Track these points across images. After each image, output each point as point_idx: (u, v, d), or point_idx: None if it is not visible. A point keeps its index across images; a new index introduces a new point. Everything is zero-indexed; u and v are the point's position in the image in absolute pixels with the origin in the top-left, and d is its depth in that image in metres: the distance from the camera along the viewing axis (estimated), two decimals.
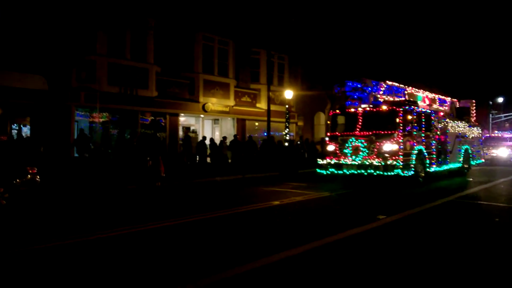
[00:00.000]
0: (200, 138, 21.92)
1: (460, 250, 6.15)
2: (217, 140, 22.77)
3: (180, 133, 22.73)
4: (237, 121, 25.78)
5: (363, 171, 13.61)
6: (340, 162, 14.19)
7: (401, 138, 13.59)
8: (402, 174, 13.22)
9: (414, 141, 14.18)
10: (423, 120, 15.06)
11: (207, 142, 21.04)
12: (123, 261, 5.73)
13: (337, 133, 14.95)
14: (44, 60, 17.29)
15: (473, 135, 19.99)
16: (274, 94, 25.67)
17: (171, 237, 7.15)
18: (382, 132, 13.70)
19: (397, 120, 13.78)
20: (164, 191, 13.97)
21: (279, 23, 25.52)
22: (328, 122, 15.62)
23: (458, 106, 20.97)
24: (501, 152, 27.66)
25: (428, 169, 14.90)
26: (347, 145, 14.19)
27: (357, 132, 14.22)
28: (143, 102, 20.28)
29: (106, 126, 19.82)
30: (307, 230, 7.53)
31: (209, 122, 26.05)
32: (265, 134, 24.82)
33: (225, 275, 4.98)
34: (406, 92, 16.92)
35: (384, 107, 14.33)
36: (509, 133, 31.36)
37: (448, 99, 20.40)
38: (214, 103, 23.43)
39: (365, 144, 13.81)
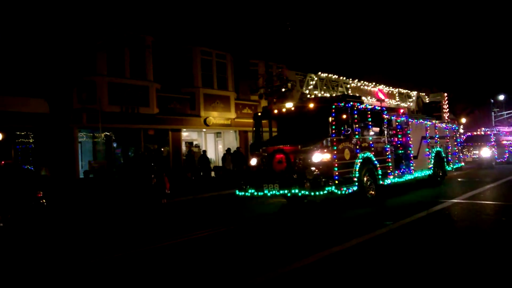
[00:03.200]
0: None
1: None
2: (221, 154, 22.82)
3: (183, 148, 22.76)
4: (239, 133, 25.80)
5: (286, 191, 10.34)
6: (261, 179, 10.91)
7: (336, 144, 10.46)
8: (338, 192, 10.03)
9: (357, 147, 11.15)
10: (371, 119, 12.01)
11: (211, 156, 21.08)
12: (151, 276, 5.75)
13: (259, 141, 12.17)
14: (45, 83, 17.40)
15: (446, 135, 16.80)
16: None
17: (186, 253, 7.16)
18: (310, 138, 10.64)
19: (330, 121, 10.57)
20: (170, 208, 13.96)
21: (275, 33, 25.66)
22: (253, 128, 12.54)
23: (427, 101, 18.17)
24: (484, 153, 23.92)
25: (381, 182, 11.93)
26: (269, 156, 11.03)
27: (280, 139, 11.45)
28: (145, 120, 20.36)
29: (110, 146, 19.88)
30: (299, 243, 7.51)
31: (212, 135, 26.10)
32: None
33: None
34: (349, 86, 14.16)
35: (311, 105, 11.10)
36: (492, 129, 27.39)
37: (414, 93, 17.71)
38: (215, 116, 23.49)
39: (290, 154, 10.71)
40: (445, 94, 18.26)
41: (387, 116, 13.01)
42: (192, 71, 22.89)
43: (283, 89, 12.46)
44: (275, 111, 11.94)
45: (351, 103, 11.38)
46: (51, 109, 17.66)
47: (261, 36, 24.97)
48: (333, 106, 10.74)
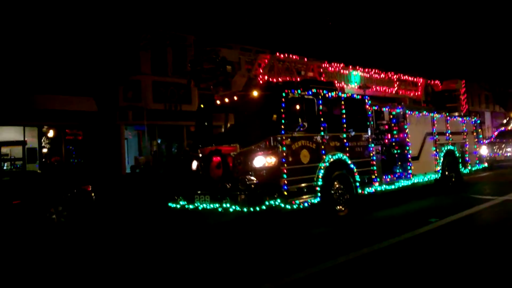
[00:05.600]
0: None
1: None
2: None
3: None
4: None
5: (217, 204, 8.16)
6: (195, 189, 8.70)
7: (287, 143, 8.02)
8: (288, 207, 7.78)
9: (323, 146, 8.66)
10: (347, 111, 9.42)
11: None
12: None
13: (199, 140, 9.64)
14: (93, 83, 18.23)
15: (463, 130, 13.87)
16: None
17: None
18: (253, 136, 8.29)
19: (278, 113, 8.14)
20: None
21: (316, 29, 25.54)
22: (195, 123, 10.53)
23: (439, 89, 15.20)
24: None
25: (361, 191, 9.36)
26: (207, 160, 8.79)
27: (221, 138, 9.14)
28: (187, 116, 20.86)
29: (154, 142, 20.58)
30: None
31: None
32: None
33: None
34: (323, 70, 11.27)
35: (255, 93, 8.64)
36: None
37: (420, 80, 14.94)
38: None
39: (228, 157, 8.40)
40: (463, 82, 15.16)
41: (374, 108, 10.67)
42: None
43: (218, 73, 9.67)
44: (218, 102, 9.41)
45: (314, 90, 8.85)
46: (99, 107, 18.48)
47: (301, 32, 24.92)
48: (284, 94, 8.23)
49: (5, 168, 17.61)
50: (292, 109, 8.21)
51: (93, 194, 11.85)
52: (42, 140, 18.41)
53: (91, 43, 17.93)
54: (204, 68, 9.50)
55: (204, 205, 8.34)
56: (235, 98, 8.98)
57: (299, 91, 8.46)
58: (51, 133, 18.57)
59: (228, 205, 7.91)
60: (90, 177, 15.24)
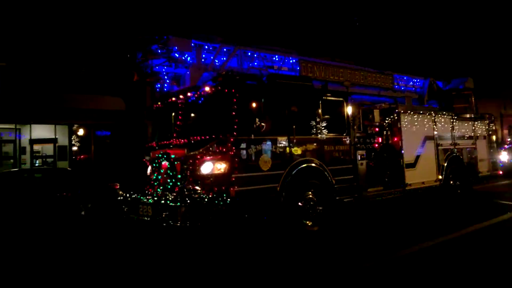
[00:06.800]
0: None
1: None
2: None
3: None
4: None
5: (157, 218, 6.88)
6: (141, 198, 7.47)
7: (241, 147, 6.81)
8: (240, 222, 6.82)
9: (289, 150, 7.39)
10: (323, 111, 8.15)
11: None
12: None
13: (153, 142, 8.51)
14: (121, 83, 18.59)
15: (473, 134, 12.25)
16: None
17: None
18: (200, 138, 7.19)
19: (231, 111, 6.87)
20: None
21: (341, 28, 25.37)
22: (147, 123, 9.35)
23: (446, 88, 13.87)
24: None
25: (338, 202, 8.21)
26: (155, 165, 7.74)
27: (173, 140, 7.85)
28: None
29: None
30: None
31: None
32: None
33: None
34: (303, 63, 10.16)
35: (207, 89, 7.44)
36: None
37: (421, 78, 13.62)
38: None
39: (176, 162, 7.33)
40: (471, 80, 14.01)
41: (362, 107, 9.68)
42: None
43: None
44: (173, 99, 8.28)
45: (280, 85, 7.64)
46: (127, 106, 18.82)
47: (324, 31, 24.77)
48: (238, 89, 6.99)
49: (37, 164, 18.17)
50: (250, 106, 6.99)
51: (121, 192, 12.15)
52: (72, 138, 18.93)
53: (120, 44, 18.30)
54: (150, 60, 8.28)
55: (148, 217, 7.07)
56: (188, 94, 7.89)
57: (260, 85, 7.36)
58: (81, 131, 19.08)
59: (166, 219, 6.61)
60: (118, 175, 15.55)
